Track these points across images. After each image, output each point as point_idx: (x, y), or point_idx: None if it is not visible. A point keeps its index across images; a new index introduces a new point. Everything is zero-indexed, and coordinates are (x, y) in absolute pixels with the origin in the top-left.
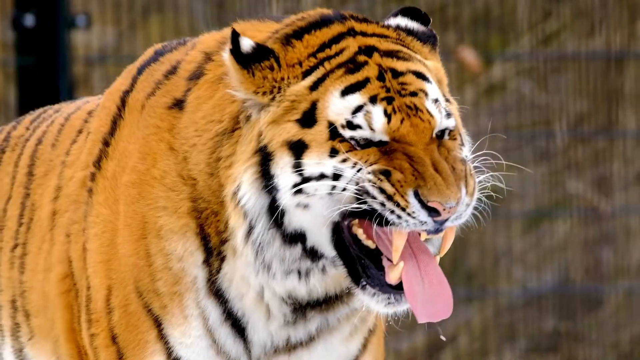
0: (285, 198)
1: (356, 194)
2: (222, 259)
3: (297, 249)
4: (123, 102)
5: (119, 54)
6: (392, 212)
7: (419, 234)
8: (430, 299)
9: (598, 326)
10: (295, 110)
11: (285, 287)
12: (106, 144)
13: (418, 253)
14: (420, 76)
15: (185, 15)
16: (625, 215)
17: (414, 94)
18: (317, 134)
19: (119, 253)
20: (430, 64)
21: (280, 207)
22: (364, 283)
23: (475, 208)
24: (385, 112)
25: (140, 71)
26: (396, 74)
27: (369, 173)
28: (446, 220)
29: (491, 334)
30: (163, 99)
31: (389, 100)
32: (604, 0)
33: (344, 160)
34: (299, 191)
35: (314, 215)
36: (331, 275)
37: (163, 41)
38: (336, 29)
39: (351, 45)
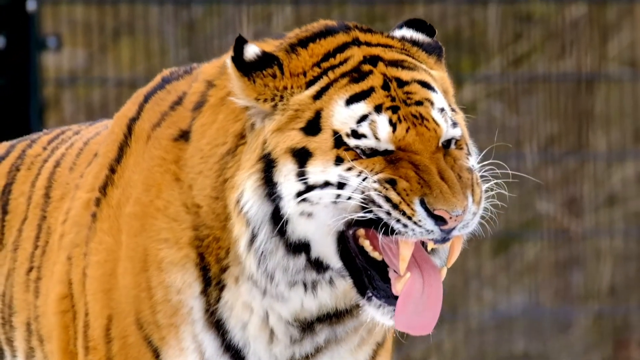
0: (289, 206)
1: (362, 202)
2: (222, 288)
3: (301, 259)
4: (130, 129)
5: (90, 76)
6: (398, 221)
7: (425, 247)
8: (419, 311)
9: (568, 348)
10: (300, 119)
11: (290, 306)
12: (112, 170)
13: (422, 264)
14: (426, 85)
15: (155, 38)
16: (595, 237)
17: (419, 103)
18: (322, 142)
19: (120, 284)
20: (436, 73)
21: (284, 215)
22: (370, 294)
23: (482, 217)
24: (390, 121)
25: (147, 99)
26: (401, 83)
27: (375, 182)
28: (453, 229)
29: (461, 356)
30: (168, 131)
31: (394, 109)
32: (574, 22)
33: (349, 169)
34: (303, 200)
35: (318, 224)
36: (340, 289)
37: (134, 64)
38: (341, 38)
39: (356, 54)
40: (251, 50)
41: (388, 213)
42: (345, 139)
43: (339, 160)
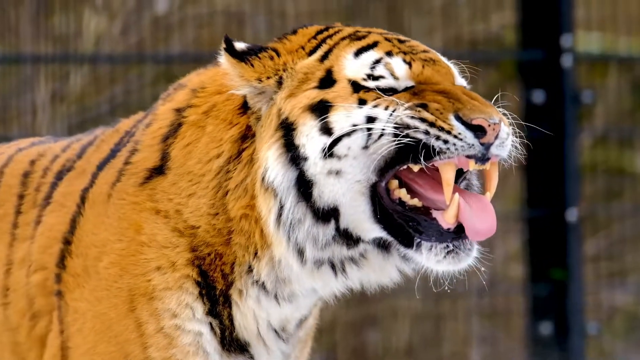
0: (315, 165)
1: (396, 131)
2: (230, 305)
3: (330, 228)
4: (82, 199)
5: None
6: (438, 138)
7: (462, 176)
8: (478, 217)
9: None
10: (311, 80)
11: (289, 309)
12: (67, 242)
13: (462, 192)
14: (423, 45)
15: None
16: (392, 297)
17: (425, 51)
18: (340, 90)
19: (106, 336)
20: None
21: (309, 178)
22: (418, 240)
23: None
24: (404, 60)
25: (100, 167)
26: (401, 40)
27: (406, 109)
28: (491, 144)
29: None
30: (132, 180)
31: (405, 53)
32: None
33: (376, 106)
34: (330, 155)
35: (348, 183)
36: (365, 270)
37: None
38: (324, 25)
39: (346, 29)
40: (241, 44)
41: (426, 132)
42: (363, 83)
43: (362, 103)
